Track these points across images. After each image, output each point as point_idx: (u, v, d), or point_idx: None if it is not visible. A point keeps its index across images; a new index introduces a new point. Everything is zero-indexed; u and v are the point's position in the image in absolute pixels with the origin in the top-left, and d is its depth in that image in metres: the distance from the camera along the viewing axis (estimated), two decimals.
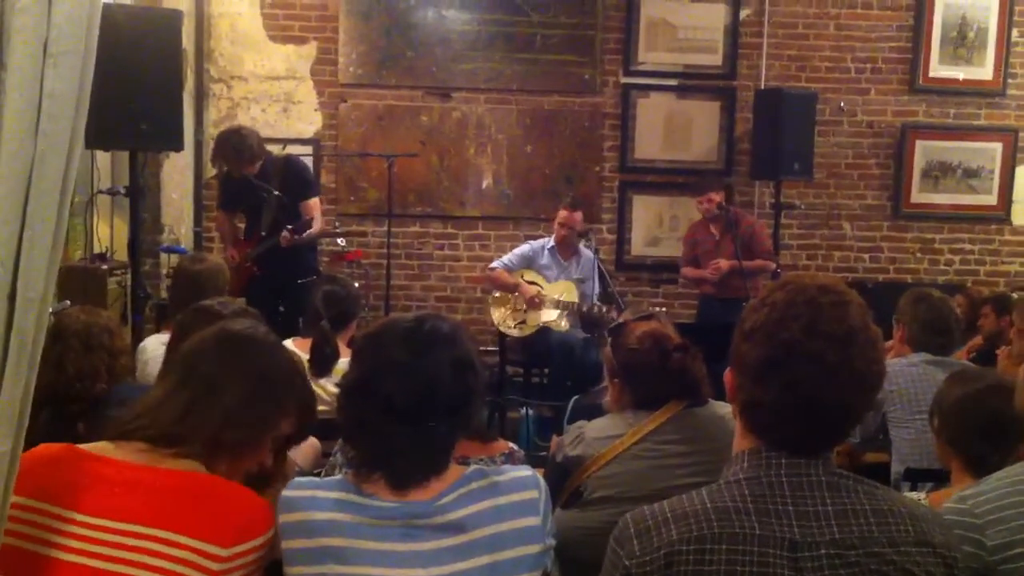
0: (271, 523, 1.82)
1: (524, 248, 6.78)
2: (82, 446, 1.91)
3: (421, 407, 1.84)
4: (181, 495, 1.82)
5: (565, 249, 6.68)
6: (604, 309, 6.13)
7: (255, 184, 5.92)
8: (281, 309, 5.69)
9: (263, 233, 6.04)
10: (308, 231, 5.98)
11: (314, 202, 6.19)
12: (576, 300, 6.49)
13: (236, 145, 5.86)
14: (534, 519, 1.87)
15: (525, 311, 6.52)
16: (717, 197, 6.81)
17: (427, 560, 1.79)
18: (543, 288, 6.57)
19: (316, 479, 1.93)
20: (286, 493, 1.85)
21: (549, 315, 6.48)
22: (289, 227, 5.88)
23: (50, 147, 1.35)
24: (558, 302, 6.47)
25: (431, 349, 1.88)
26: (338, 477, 1.94)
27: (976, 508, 1.94)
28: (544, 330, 6.49)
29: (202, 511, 1.79)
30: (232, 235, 6.33)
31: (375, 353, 1.91)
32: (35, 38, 1.30)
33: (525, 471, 1.95)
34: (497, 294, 6.72)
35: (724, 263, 6.69)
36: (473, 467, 1.92)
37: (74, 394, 2.86)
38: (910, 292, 4.24)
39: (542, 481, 1.95)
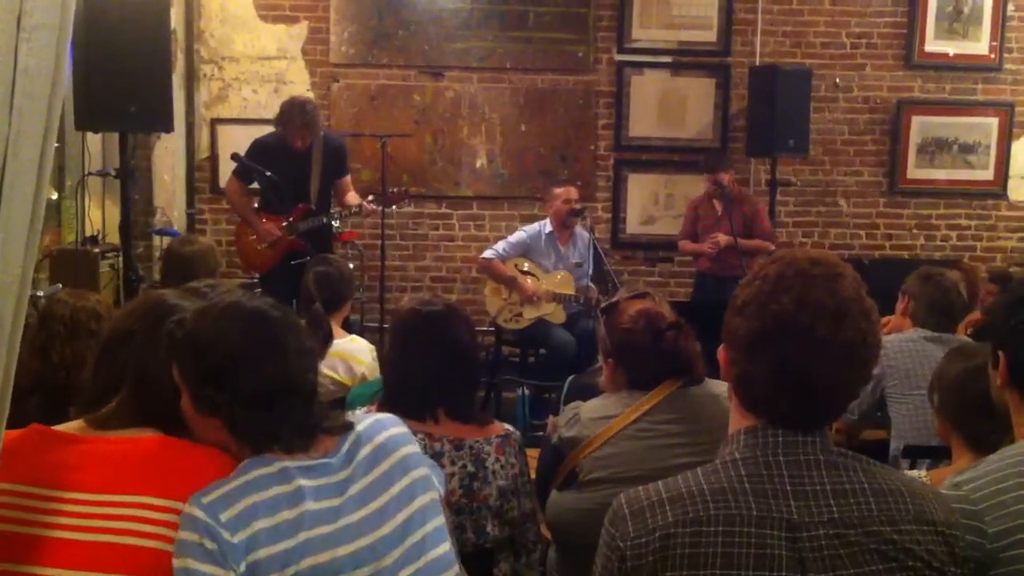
0: None
1: (520, 236, 6.62)
2: (54, 427, 1.92)
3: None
4: (150, 460, 1.83)
5: (563, 232, 6.58)
6: (599, 299, 6.07)
7: (294, 158, 5.92)
8: None
9: (311, 207, 5.97)
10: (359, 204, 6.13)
11: (350, 178, 6.33)
12: (573, 292, 6.44)
13: (310, 111, 5.87)
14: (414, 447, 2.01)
15: (521, 304, 6.47)
16: (727, 177, 6.79)
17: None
18: (539, 280, 6.49)
19: None
20: None
21: (545, 308, 6.44)
22: (371, 197, 6.14)
23: (25, 126, 1.31)
24: (555, 296, 6.42)
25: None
26: None
27: (972, 494, 1.90)
28: (540, 322, 6.46)
29: (174, 472, 1.81)
30: (248, 207, 6.14)
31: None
32: (7, 11, 1.25)
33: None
34: (492, 285, 6.65)
35: (722, 238, 6.68)
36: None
37: (59, 382, 2.83)
38: (922, 269, 4.23)
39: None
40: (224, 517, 1.69)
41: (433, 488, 1.96)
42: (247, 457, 1.82)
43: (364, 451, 1.91)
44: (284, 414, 1.83)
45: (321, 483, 1.81)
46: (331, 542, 1.77)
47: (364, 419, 1.99)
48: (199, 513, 1.69)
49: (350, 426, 1.95)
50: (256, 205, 6.12)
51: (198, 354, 1.82)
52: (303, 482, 1.78)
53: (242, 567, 1.68)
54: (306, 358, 1.91)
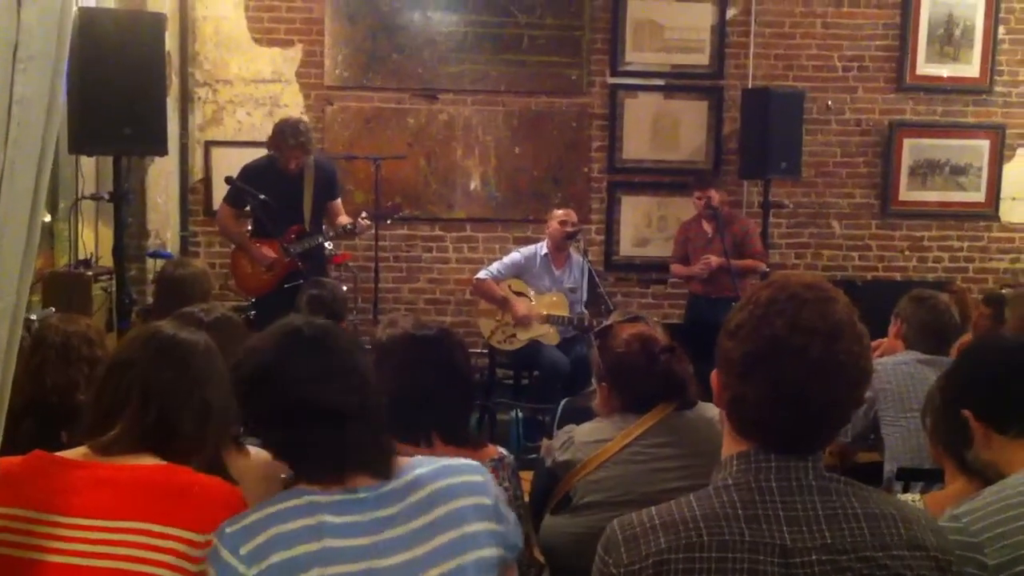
0: (243, 507, 1.85)
1: (515, 257, 6.63)
2: (57, 453, 1.94)
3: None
4: (151, 487, 1.85)
5: (559, 255, 6.59)
6: (592, 322, 6.07)
7: (288, 180, 5.91)
8: None
9: (305, 228, 5.97)
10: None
11: (340, 201, 6.32)
12: (566, 313, 6.44)
13: (304, 131, 5.86)
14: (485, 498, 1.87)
15: (514, 326, 6.47)
16: (717, 195, 6.81)
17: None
18: (532, 301, 6.50)
19: None
20: None
21: (538, 330, 6.44)
22: (364, 214, 6.12)
23: (20, 154, 1.31)
24: (547, 317, 6.42)
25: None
26: None
27: (972, 525, 1.89)
28: (534, 343, 6.46)
29: (178, 501, 1.83)
30: (240, 231, 6.13)
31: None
32: (3, 43, 1.26)
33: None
34: (485, 306, 6.66)
35: (714, 259, 6.68)
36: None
37: (53, 406, 2.83)
38: (914, 292, 4.22)
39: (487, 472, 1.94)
40: (243, 551, 1.68)
41: (491, 544, 1.82)
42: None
43: (418, 495, 1.81)
44: (307, 437, 1.79)
45: (349, 520, 1.75)
46: None
47: (431, 462, 1.89)
48: (223, 551, 1.69)
49: (394, 468, 1.85)
50: (249, 229, 6.11)
51: (235, 368, 1.86)
52: (327, 518, 1.73)
53: None
54: (336, 383, 1.81)
